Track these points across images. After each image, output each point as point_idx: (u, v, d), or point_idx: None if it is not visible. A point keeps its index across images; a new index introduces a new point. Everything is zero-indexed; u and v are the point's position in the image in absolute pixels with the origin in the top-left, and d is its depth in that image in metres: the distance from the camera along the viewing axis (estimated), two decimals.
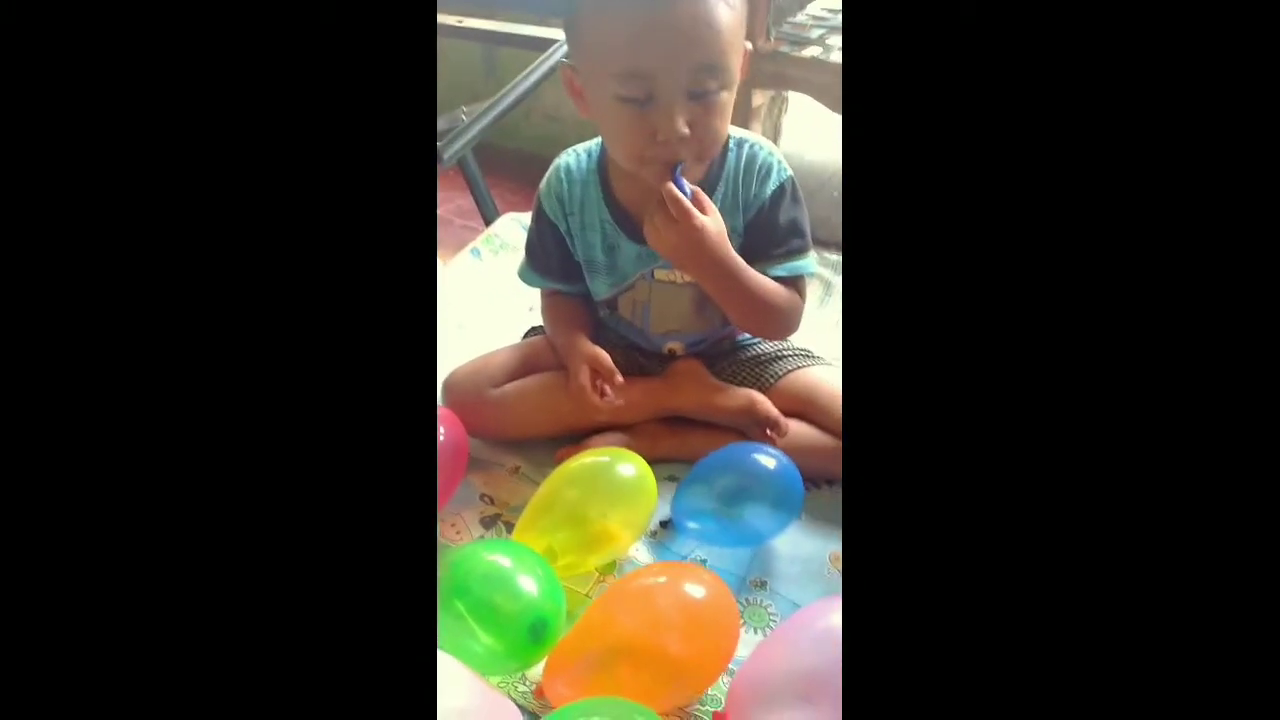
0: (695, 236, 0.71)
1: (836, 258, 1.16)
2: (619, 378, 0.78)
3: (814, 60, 1.33)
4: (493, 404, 0.83)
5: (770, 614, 0.69)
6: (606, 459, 0.73)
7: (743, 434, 0.82)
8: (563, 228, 0.84)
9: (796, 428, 0.81)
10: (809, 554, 0.73)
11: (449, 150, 1.09)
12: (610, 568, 0.73)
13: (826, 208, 1.28)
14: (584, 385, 0.78)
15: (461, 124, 1.14)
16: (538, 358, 0.87)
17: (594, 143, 0.84)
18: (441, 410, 0.78)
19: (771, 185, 0.79)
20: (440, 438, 0.74)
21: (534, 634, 0.59)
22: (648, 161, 0.71)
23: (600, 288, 0.86)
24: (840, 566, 0.71)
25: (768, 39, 1.36)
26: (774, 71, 1.35)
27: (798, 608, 0.69)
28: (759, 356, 0.88)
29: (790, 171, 0.80)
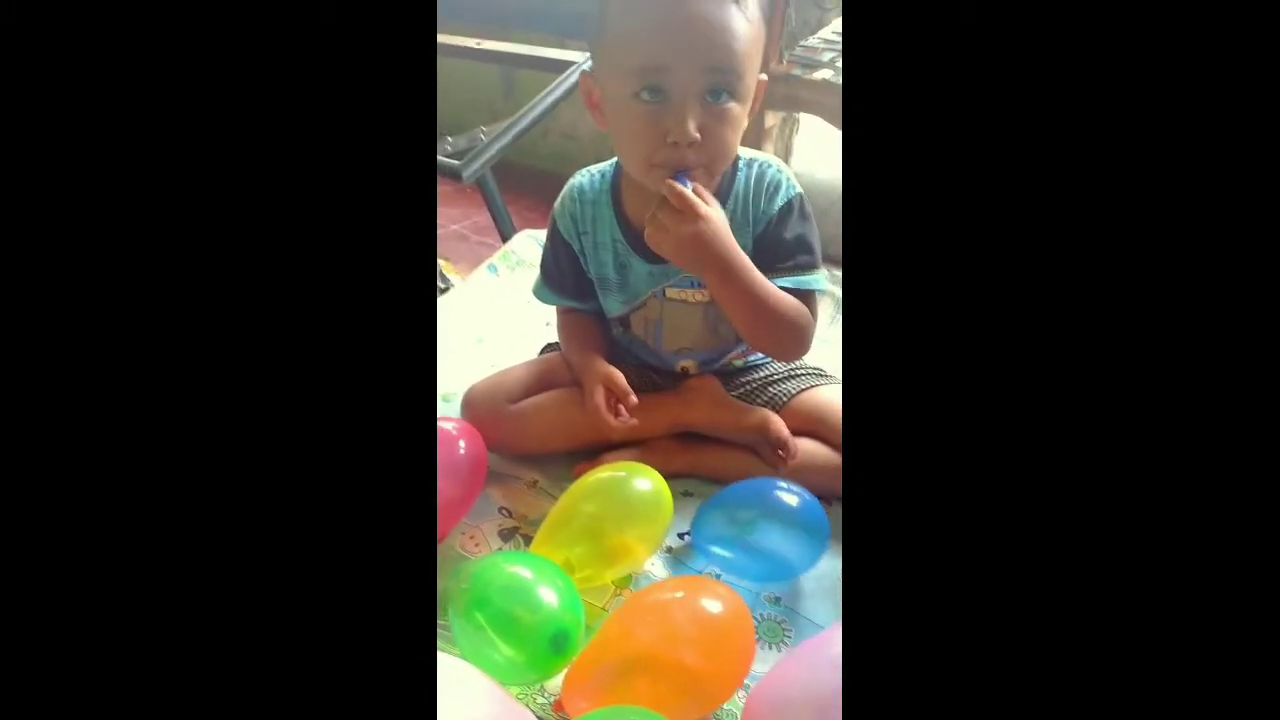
0: (699, 228, 0.70)
1: None
2: (634, 398, 0.79)
3: (825, 83, 1.35)
4: (511, 419, 0.84)
5: (785, 629, 0.70)
6: (623, 474, 0.75)
7: (755, 452, 0.83)
8: (576, 246, 0.86)
9: (810, 446, 0.82)
10: (823, 570, 0.73)
11: (468, 169, 1.12)
12: (626, 581, 0.74)
13: (836, 226, 1.29)
14: (599, 405, 0.79)
15: (480, 143, 1.16)
16: (554, 374, 0.88)
17: (607, 164, 0.86)
18: (461, 424, 0.80)
19: (780, 201, 0.79)
20: (460, 451, 0.76)
21: (555, 645, 0.60)
22: (657, 166, 0.71)
23: (613, 305, 0.87)
24: None
25: (780, 61, 1.38)
26: (786, 93, 1.37)
27: (811, 623, 0.70)
28: (772, 376, 0.89)
29: (799, 189, 0.81)
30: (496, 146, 1.16)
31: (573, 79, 1.30)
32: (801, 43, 1.47)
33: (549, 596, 0.61)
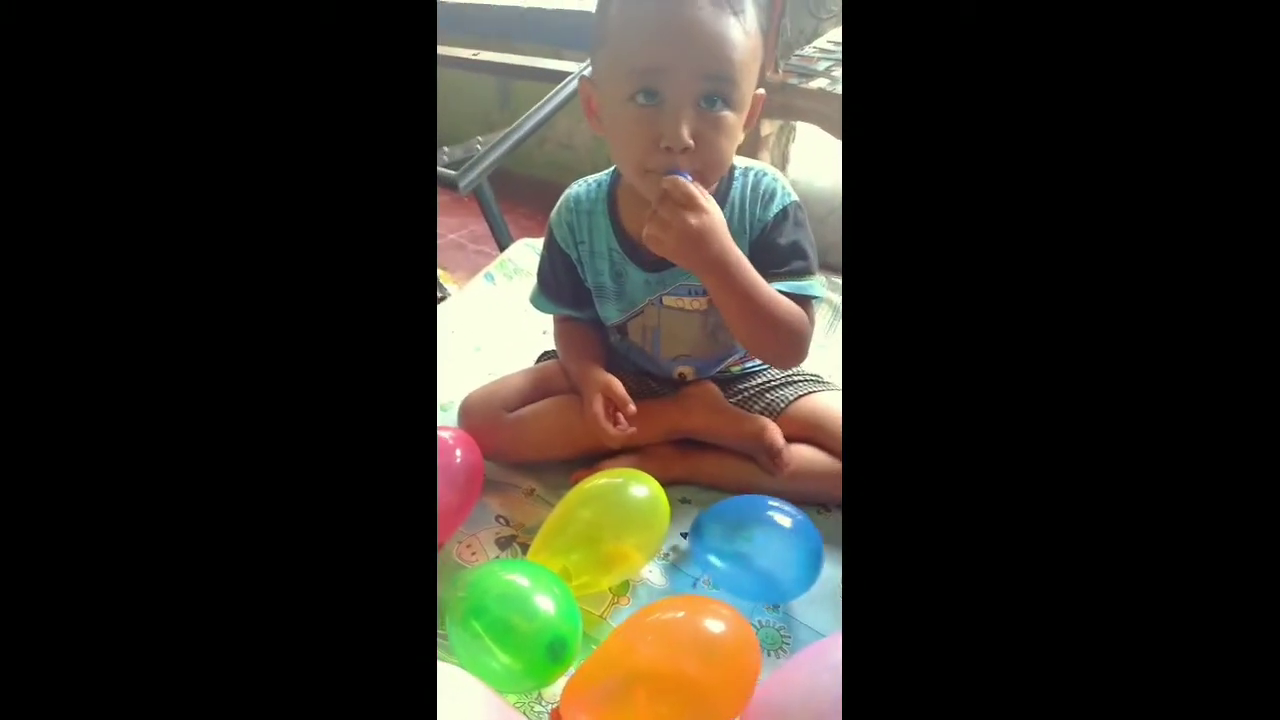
0: (701, 220, 0.70)
1: None
2: (632, 406, 0.79)
3: (821, 91, 1.35)
4: (508, 427, 0.84)
5: (782, 635, 0.69)
6: (620, 481, 0.74)
7: (752, 458, 0.83)
8: (573, 255, 0.86)
9: (807, 453, 0.82)
10: (821, 577, 0.73)
11: (465, 179, 1.12)
12: (624, 588, 0.74)
13: (835, 233, 1.30)
14: (598, 413, 0.79)
15: (477, 153, 1.17)
16: (551, 381, 0.88)
17: (604, 173, 0.86)
18: (458, 433, 0.79)
19: (775, 208, 0.79)
20: (457, 460, 0.76)
21: (552, 653, 0.60)
22: (651, 170, 0.72)
23: (610, 313, 0.87)
24: None
25: (776, 71, 1.39)
26: (782, 102, 1.37)
27: (809, 629, 0.70)
28: (769, 382, 0.89)
29: (795, 197, 0.81)
30: (493, 156, 1.16)
31: (569, 89, 1.30)
32: (797, 52, 1.48)
33: (546, 604, 0.61)
